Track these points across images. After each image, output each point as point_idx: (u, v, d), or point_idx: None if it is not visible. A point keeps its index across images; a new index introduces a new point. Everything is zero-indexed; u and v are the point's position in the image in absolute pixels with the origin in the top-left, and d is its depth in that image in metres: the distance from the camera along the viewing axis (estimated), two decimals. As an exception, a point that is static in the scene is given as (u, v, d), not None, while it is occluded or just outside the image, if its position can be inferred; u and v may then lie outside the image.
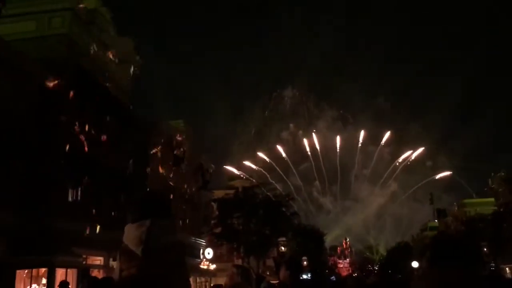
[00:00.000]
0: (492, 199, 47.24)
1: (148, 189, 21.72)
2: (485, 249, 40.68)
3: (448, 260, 1.88)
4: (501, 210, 43.45)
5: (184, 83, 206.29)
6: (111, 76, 23.92)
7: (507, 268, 36.67)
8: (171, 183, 30.12)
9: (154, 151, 27.53)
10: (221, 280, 12.42)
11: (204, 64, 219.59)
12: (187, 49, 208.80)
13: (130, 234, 1.69)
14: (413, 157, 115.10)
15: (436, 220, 72.45)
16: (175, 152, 30.79)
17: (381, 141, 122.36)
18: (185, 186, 33.50)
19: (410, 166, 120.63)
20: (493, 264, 37.38)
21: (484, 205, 47.84)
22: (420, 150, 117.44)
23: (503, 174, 46.05)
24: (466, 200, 60.05)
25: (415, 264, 46.05)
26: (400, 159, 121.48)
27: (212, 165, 42.19)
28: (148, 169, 25.90)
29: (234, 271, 4.43)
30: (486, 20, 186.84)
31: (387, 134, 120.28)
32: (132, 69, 26.79)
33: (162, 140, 29.20)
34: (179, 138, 32.24)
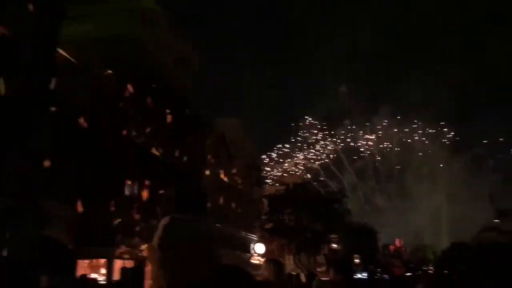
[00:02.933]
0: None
1: (182, 185, 21.74)
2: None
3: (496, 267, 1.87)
4: None
5: (236, 80, 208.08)
6: (170, 75, 24.58)
7: None
8: (224, 180, 30.60)
9: (208, 147, 28.07)
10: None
11: (256, 63, 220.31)
12: (240, 47, 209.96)
13: (157, 229, 1.72)
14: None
15: (496, 221, 69.29)
16: (228, 149, 31.25)
17: (440, 138, 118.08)
18: (238, 182, 33.93)
19: (470, 163, 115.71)
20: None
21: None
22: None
23: None
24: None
25: (470, 265, 44.28)
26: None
27: (264, 161, 42.41)
28: (203, 165, 26.44)
29: (264, 266, 4.34)
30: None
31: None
32: (189, 68, 27.42)
33: (216, 137, 29.70)
34: (233, 135, 32.67)
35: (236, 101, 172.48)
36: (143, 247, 20.17)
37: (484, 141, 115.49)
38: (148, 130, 20.87)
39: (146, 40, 22.56)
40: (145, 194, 20.92)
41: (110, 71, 19.38)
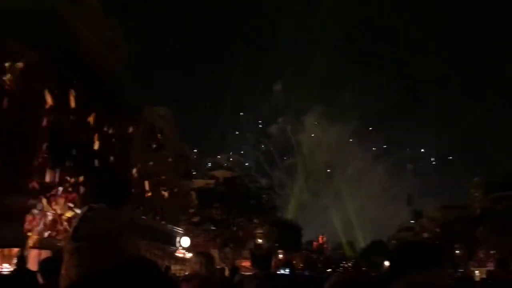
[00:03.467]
0: (469, 203, 48.13)
1: (108, 176, 21.05)
2: (457, 252, 41.53)
3: (417, 264, 1.89)
4: (476, 214, 44.37)
5: (169, 70, 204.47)
6: (97, 57, 23.51)
7: (477, 272, 37.44)
8: (151, 170, 29.94)
9: (136, 136, 27.26)
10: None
11: (191, 54, 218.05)
12: (175, 38, 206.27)
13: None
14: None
15: (412, 221, 73.49)
16: (157, 139, 30.54)
17: (367, 140, 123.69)
18: (166, 174, 33.31)
19: (393, 168, 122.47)
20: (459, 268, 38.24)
21: (461, 209, 48.60)
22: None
23: (478, 179, 46.88)
24: (445, 204, 60.49)
25: (387, 263, 46.70)
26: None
27: (195, 155, 42.01)
28: (129, 154, 25.66)
29: (194, 260, 4.28)
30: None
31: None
32: (118, 52, 26.39)
33: (145, 126, 28.92)
34: (162, 125, 31.97)
35: (171, 92, 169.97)
36: (61, 236, 19.28)
37: (407, 149, 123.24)
38: (71, 116, 19.82)
39: (72, 18, 21.35)
40: (67, 182, 19.96)
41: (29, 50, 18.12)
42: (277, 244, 47.51)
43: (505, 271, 6.08)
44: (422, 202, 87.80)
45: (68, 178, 20.02)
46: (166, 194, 33.25)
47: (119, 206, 1.99)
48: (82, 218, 1.69)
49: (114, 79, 24.79)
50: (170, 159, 34.18)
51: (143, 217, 28.20)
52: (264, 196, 39.17)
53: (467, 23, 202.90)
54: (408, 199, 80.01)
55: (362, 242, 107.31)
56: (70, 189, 19.90)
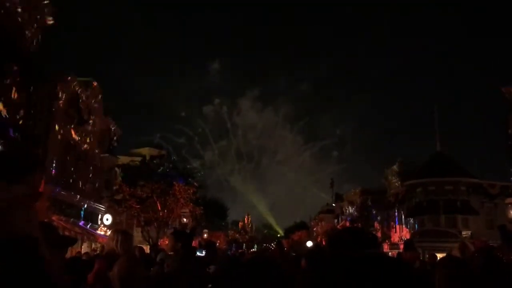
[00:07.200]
0: (387, 189, 50.74)
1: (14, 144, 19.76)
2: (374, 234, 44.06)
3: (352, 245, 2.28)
4: (392, 199, 47.09)
5: (102, 41, 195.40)
6: (13, 18, 21.74)
7: (390, 254, 39.85)
8: (72, 144, 28.65)
9: (57, 107, 25.85)
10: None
11: (126, 26, 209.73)
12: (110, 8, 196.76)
13: None
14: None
15: (334, 204, 76.51)
16: (80, 111, 29.16)
17: (297, 126, 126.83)
18: (89, 147, 32.01)
19: (319, 154, 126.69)
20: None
21: (381, 194, 51.03)
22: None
23: (395, 167, 49.49)
24: (365, 188, 62.85)
25: (309, 243, 48.40)
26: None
27: (121, 131, 40.56)
28: (50, 125, 24.33)
29: (112, 237, 4.17)
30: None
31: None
32: (41, 17, 24.56)
33: (69, 97, 27.46)
34: (88, 97, 30.53)
35: (102, 64, 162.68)
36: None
37: (334, 134, 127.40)
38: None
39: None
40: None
41: None
42: (202, 224, 47.62)
43: (410, 253, 6.52)
44: (345, 187, 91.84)
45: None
46: (88, 169, 32.03)
47: (14, 180, 1.87)
48: None
49: (33, 44, 23.10)
50: (94, 133, 32.86)
51: (63, 192, 27.01)
52: (190, 177, 38.99)
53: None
54: (331, 183, 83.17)
55: (287, 224, 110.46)
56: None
